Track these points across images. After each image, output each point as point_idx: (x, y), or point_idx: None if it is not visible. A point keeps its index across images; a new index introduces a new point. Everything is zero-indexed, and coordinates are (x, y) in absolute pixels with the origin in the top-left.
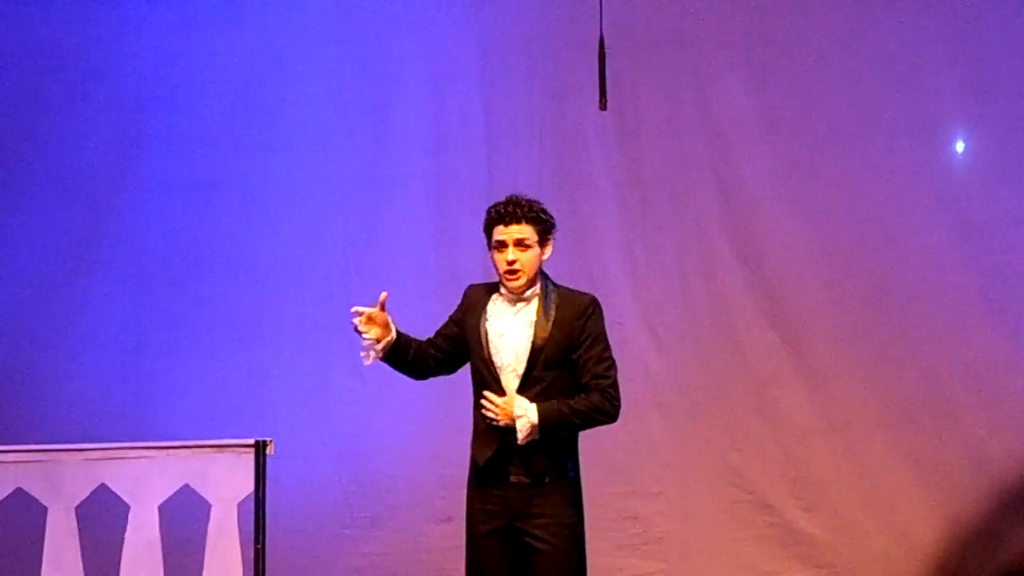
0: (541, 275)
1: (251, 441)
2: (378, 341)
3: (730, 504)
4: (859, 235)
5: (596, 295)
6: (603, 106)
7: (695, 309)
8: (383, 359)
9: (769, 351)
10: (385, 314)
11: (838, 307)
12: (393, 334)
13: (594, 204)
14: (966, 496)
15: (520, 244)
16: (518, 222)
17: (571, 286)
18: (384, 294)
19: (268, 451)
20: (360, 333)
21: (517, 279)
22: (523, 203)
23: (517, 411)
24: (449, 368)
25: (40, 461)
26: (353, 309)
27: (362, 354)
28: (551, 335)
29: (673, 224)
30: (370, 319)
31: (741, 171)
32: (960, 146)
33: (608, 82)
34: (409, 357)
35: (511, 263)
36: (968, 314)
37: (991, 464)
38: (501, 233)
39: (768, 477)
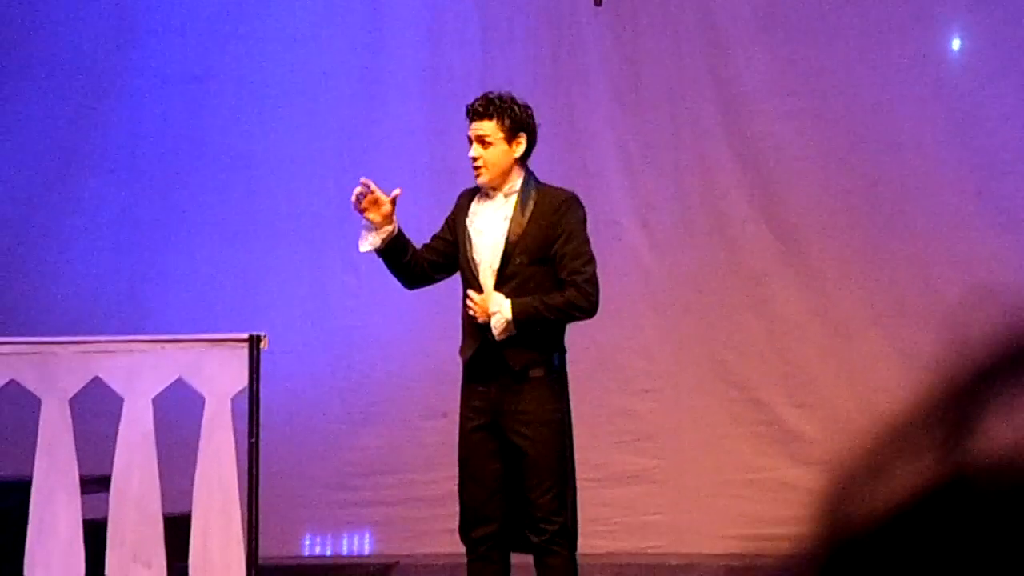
0: (524, 172)
1: (245, 335)
2: (378, 230)
3: (723, 401)
4: (854, 131)
5: (591, 193)
6: (598, 2)
7: (689, 206)
8: (380, 254)
9: (763, 248)
10: (391, 208)
11: (833, 203)
12: (394, 228)
13: (589, 102)
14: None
15: (481, 140)
16: (479, 118)
17: (565, 184)
18: (398, 190)
19: (262, 345)
20: (358, 207)
21: (479, 174)
22: (488, 99)
23: (492, 307)
24: (447, 271)
25: (34, 353)
26: (363, 179)
27: (360, 241)
28: (526, 230)
29: (668, 121)
30: (376, 202)
31: (737, 68)
32: (956, 42)
33: None
34: (406, 257)
35: (473, 159)
36: (962, 209)
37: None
38: (469, 129)
39: (761, 374)
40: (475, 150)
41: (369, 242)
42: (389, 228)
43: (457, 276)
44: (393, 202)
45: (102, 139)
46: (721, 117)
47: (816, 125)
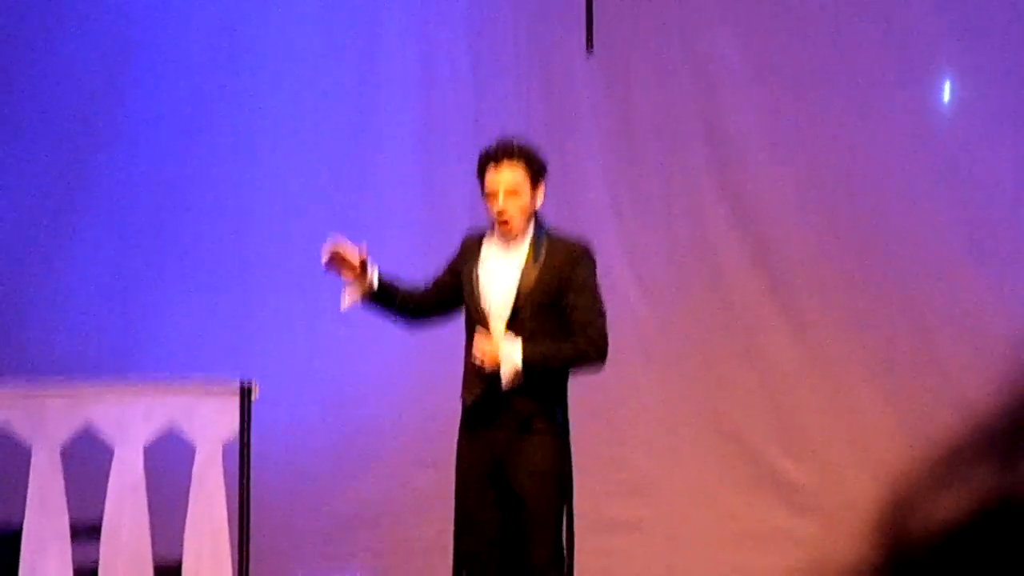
0: (535, 219)
1: (236, 384)
2: (355, 285)
3: (716, 451)
4: (846, 182)
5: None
6: (590, 48)
7: (681, 256)
8: (366, 305)
9: (755, 298)
10: (361, 263)
11: (825, 254)
12: (371, 283)
13: (581, 149)
14: (951, 443)
15: (510, 190)
16: (508, 165)
17: (558, 231)
18: (363, 245)
19: (253, 394)
20: (330, 268)
21: (507, 226)
22: (514, 145)
23: (502, 354)
24: (443, 312)
25: (25, 398)
26: (330, 238)
27: (341, 298)
28: (539, 280)
29: (660, 169)
30: (342, 259)
31: (729, 117)
32: (946, 92)
33: (596, 26)
34: (394, 304)
35: (501, 212)
36: (954, 261)
37: (976, 410)
38: (491, 179)
39: (754, 424)
40: (504, 200)
41: (347, 300)
42: (365, 284)
43: (446, 323)
44: (363, 261)
45: (95, 185)
46: (712, 166)
47: (808, 175)
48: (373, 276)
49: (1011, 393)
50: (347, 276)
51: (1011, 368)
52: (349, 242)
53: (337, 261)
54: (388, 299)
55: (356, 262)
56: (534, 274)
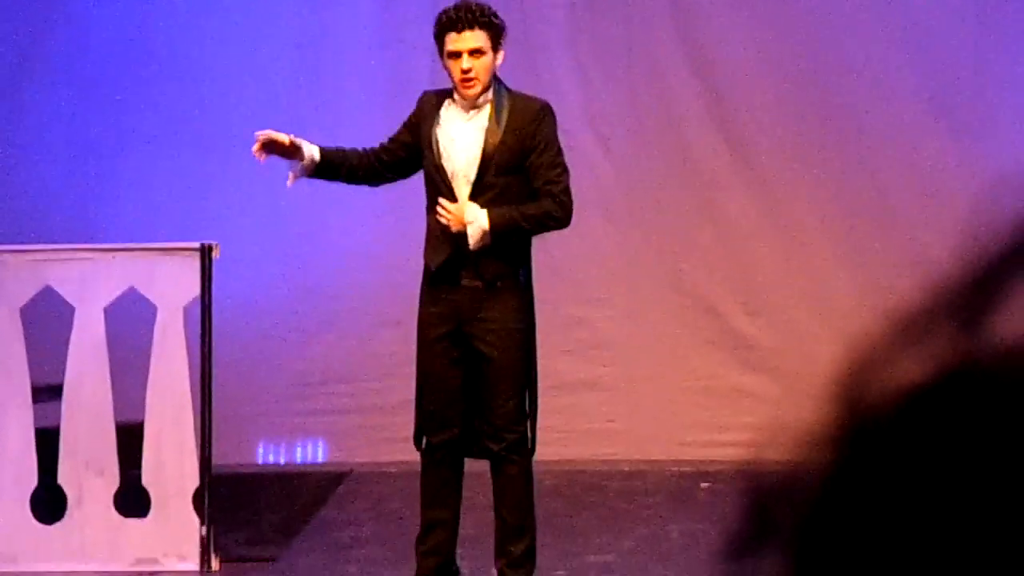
0: (494, 80)
1: (196, 244)
2: (295, 164)
3: (676, 309)
4: (808, 41)
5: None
6: None
7: (643, 115)
8: (312, 179)
9: (716, 157)
10: (291, 143)
11: (786, 113)
12: (312, 159)
13: (543, 12)
14: (911, 305)
15: (474, 52)
16: (471, 28)
17: (517, 91)
18: (291, 136)
19: (213, 255)
20: (265, 154)
21: (472, 87)
22: (474, 8)
23: (468, 217)
24: (402, 173)
25: None
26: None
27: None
28: (502, 141)
29: (623, 30)
30: (274, 145)
31: None
32: None
33: None
34: (341, 173)
35: (466, 72)
36: (915, 119)
37: (936, 271)
38: (454, 41)
39: (713, 282)
40: (468, 62)
41: (291, 178)
42: (303, 162)
43: (410, 183)
44: (293, 143)
45: (52, 47)
46: (675, 26)
47: (769, 34)
48: (312, 152)
49: (971, 254)
50: (284, 157)
51: (971, 229)
52: (276, 132)
53: (269, 148)
54: (333, 170)
55: (286, 142)
56: (498, 136)
